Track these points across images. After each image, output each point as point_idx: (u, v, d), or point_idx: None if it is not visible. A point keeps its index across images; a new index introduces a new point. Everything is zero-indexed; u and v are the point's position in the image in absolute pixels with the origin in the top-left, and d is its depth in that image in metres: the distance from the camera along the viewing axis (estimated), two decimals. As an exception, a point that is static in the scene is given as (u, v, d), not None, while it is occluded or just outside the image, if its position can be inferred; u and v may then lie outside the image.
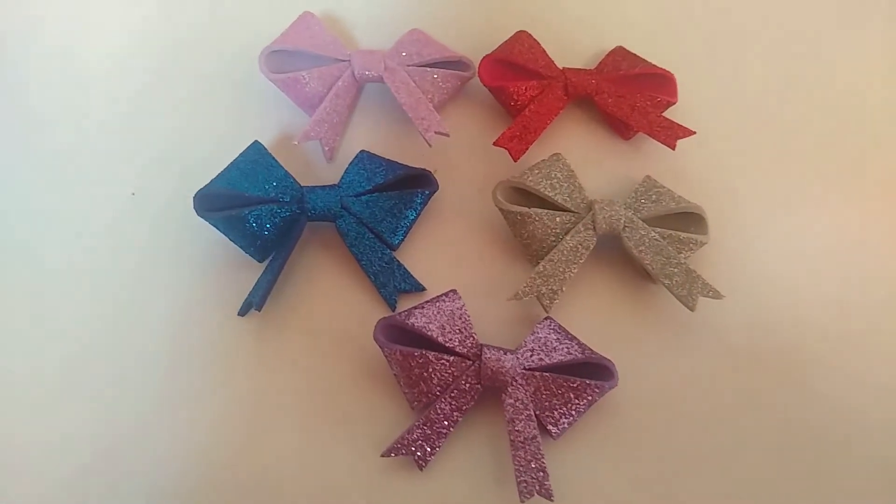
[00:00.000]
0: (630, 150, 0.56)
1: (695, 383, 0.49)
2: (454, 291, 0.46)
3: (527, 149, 0.52)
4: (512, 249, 0.52)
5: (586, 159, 0.55)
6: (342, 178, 0.50)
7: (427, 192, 0.51)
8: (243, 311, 0.48)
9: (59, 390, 0.46)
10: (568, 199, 0.50)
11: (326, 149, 0.52)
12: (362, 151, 0.51)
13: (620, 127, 0.56)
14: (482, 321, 0.48)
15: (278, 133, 0.54)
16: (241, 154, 0.48)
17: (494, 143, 0.52)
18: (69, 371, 0.46)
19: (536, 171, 0.50)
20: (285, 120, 0.54)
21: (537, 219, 0.49)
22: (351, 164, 0.50)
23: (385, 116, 0.56)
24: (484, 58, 0.54)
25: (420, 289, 0.50)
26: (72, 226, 0.51)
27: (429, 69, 0.54)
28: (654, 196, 0.52)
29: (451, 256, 0.51)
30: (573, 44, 0.59)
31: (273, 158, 0.48)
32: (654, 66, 0.57)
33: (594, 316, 0.50)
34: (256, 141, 0.49)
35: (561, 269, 0.49)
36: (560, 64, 0.56)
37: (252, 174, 0.47)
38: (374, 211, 0.49)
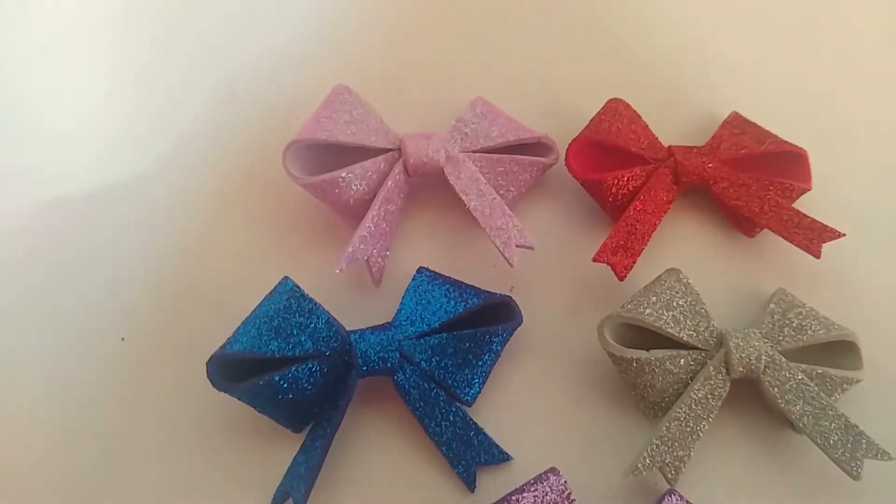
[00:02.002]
0: (755, 250, 0.44)
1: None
2: (555, 472, 0.35)
3: (634, 263, 0.40)
4: (618, 395, 0.40)
5: (700, 264, 0.43)
6: (398, 313, 0.38)
7: (509, 330, 0.39)
8: (278, 503, 0.36)
9: None
10: (694, 332, 0.39)
11: (374, 270, 0.40)
12: (421, 270, 0.39)
13: (743, 221, 0.44)
14: (585, 496, 0.37)
15: (309, 248, 0.42)
16: (266, 298, 0.36)
17: (594, 259, 0.40)
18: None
19: (654, 299, 0.39)
20: (317, 227, 0.42)
21: (657, 364, 0.38)
22: (408, 291, 0.39)
23: (442, 211, 0.44)
24: (573, 143, 0.42)
25: (506, 459, 0.38)
26: (45, 380, 0.39)
27: (501, 157, 0.42)
28: (795, 321, 0.40)
29: (537, 407, 0.40)
30: (672, 108, 0.47)
31: (310, 301, 0.36)
32: (782, 141, 0.45)
33: (724, 484, 0.39)
34: (286, 278, 0.36)
35: (689, 430, 0.37)
36: (659, 136, 0.44)
37: (283, 327, 0.35)
38: (442, 359, 0.37)
